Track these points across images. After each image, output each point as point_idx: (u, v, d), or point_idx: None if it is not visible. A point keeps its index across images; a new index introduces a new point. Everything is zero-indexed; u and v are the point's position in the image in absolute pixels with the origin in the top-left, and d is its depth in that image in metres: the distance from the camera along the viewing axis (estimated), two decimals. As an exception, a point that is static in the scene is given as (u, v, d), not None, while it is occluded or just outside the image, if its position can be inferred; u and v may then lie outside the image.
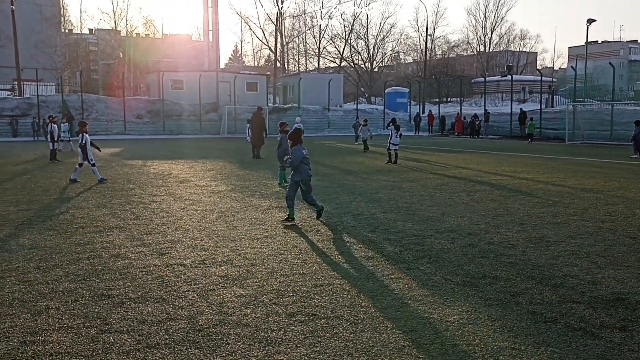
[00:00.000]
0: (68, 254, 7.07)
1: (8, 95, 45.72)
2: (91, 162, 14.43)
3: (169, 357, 4.15)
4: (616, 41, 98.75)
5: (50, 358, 4.11)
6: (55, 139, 21.05)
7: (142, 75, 58.43)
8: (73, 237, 8.03)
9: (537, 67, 74.55)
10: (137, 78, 60.17)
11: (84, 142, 14.40)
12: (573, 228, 8.54)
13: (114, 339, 4.45)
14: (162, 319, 4.88)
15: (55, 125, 21.31)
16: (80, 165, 14.56)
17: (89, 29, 78.61)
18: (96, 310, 5.08)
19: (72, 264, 6.59)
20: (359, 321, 4.83)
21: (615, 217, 9.43)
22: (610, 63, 36.71)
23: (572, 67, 39.74)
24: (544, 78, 43.27)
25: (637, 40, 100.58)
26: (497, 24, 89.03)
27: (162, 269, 6.40)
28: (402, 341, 4.40)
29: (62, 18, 66.01)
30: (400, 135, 19.40)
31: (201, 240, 7.86)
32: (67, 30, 67.46)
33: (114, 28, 66.38)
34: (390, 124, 19.93)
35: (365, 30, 77.83)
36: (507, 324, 4.76)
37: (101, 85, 62.31)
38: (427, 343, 4.36)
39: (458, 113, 44.42)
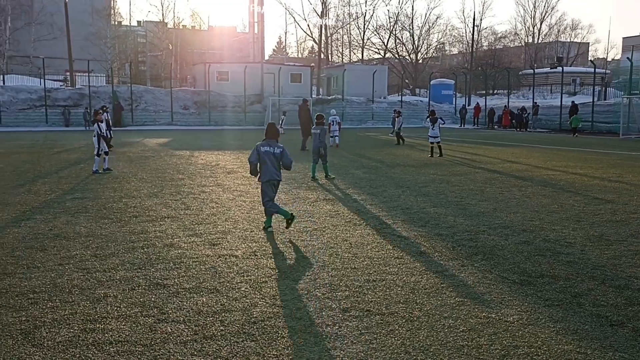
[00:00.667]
0: (123, 242, 7.21)
1: (61, 85, 47.13)
2: (102, 151, 14.41)
3: (225, 348, 4.16)
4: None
5: (110, 346, 4.18)
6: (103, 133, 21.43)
7: (188, 66, 59.30)
8: (127, 225, 8.19)
9: (589, 59, 72.12)
10: (184, 69, 61.12)
11: (102, 131, 14.40)
12: (634, 227, 8.19)
13: (171, 329, 4.50)
14: (217, 310, 4.90)
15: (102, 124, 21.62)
16: (106, 153, 14.69)
17: (137, 21, 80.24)
18: (152, 300, 5.15)
19: (127, 253, 6.71)
20: (415, 318, 4.74)
21: (679, 215, 9.01)
22: (668, 54, 35.12)
23: (627, 58, 38.23)
24: (596, 70, 41.75)
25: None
26: (547, 13, 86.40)
27: (214, 260, 6.45)
28: (461, 341, 4.29)
29: (112, 10, 67.52)
30: (440, 127, 19.00)
31: (251, 231, 7.89)
32: (116, 23, 68.95)
33: (161, 20, 67.50)
34: (429, 116, 19.60)
35: (410, 21, 76.76)
36: (570, 326, 4.59)
37: (149, 76, 63.56)
38: (486, 344, 4.24)
39: (505, 106, 43.39)
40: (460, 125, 45.27)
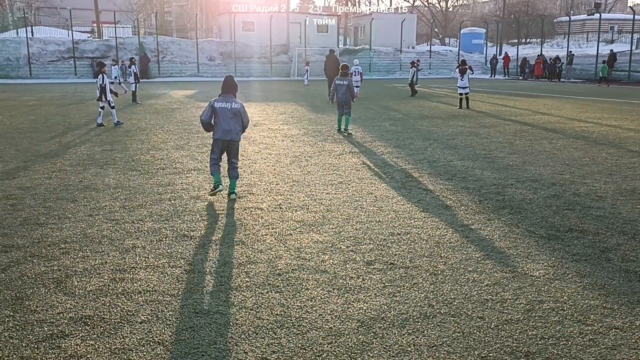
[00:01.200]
0: (151, 194, 7.31)
1: (88, 37, 47.17)
2: (111, 105, 14.23)
3: (250, 299, 4.23)
4: None
5: (139, 295, 4.28)
6: (133, 81, 21.45)
7: (214, 17, 58.62)
8: (154, 178, 8.29)
9: (629, 4, 68.99)
10: (209, 20, 60.43)
11: (104, 83, 14.06)
12: (668, 181, 7.97)
13: (197, 279, 4.58)
14: (243, 262, 4.97)
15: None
16: (102, 108, 14.28)
17: (162, -30, 79.14)
18: (180, 251, 5.24)
19: (154, 205, 6.81)
20: (439, 272, 4.74)
21: None
22: None
23: (669, 4, 36.40)
24: (636, 16, 39.93)
25: None
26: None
27: (240, 212, 6.50)
28: (485, 295, 4.28)
29: (137, -41, 66.64)
30: (469, 78, 18.55)
31: (276, 184, 7.91)
32: (141, -28, 68.14)
33: (186, -31, 66.46)
34: (459, 66, 19.11)
35: (441, -34, 74.12)
36: (597, 281, 4.53)
37: (175, 27, 63.12)
38: (511, 298, 4.23)
39: (539, 55, 42.04)
40: (491, 76, 44.18)
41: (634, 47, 39.16)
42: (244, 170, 8.78)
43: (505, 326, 3.80)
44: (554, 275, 4.66)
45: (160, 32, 47.24)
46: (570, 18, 48.29)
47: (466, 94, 18.67)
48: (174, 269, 4.81)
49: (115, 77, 26.67)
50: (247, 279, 4.60)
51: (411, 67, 25.91)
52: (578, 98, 23.73)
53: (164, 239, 5.56)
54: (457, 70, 18.89)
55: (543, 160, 9.62)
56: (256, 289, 4.41)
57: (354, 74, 22.93)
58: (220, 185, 7.01)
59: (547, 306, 4.09)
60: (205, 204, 6.86)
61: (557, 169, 8.83)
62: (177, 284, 4.51)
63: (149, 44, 42.41)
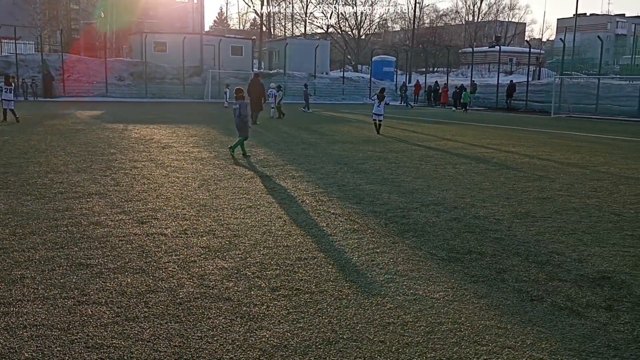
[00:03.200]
0: (46, 220, 6.87)
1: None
2: None
3: (148, 330, 4.03)
4: (604, 14, 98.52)
5: (25, 330, 3.97)
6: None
7: (124, 36, 57.04)
8: (51, 202, 7.81)
9: (526, 39, 74.19)
10: (120, 39, 58.74)
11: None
12: (559, 203, 8.51)
13: (91, 311, 4.32)
14: (142, 291, 4.75)
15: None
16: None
17: (70, -14, 76.23)
18: (74, 281, 4.93)
19: (49, 231, 6.40)
20: (344, 297, 4.75)
21: (601, 192, 9.43)
22: (598, 37, 36.58)
23: (560, 39, 39.55)
24: (532, 50, 42.98)
25: (624, 14, 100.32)
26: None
27: (142, 239, 6.24)
28: (388, 318, 4.33)
29: (42, -27, 63.82)
30: (386, 104, 19.17)
31: (183, 209, 7.69)
32: (46, -13, 65.27)
33: (95, -14, 64.44)
34: (377, 93, 19.71)
35: (354, -3, 76.53)
36: (493, 301, 4.71)
37: (82, 45, 60.76)
38: (412, 321, 4.29)
39: (445, 83, 44.16)
40: (401, 103, 45.81)
41: (530, 78, 42.03)
42: (149, 195, 8.48)
43: (405, 349, 3.84)
44: (453, 297, 4.80)
45: (66, 50, 45.25)
46: (473, 49, 51.17)
47: (380, 120, 19.14)
48: (65, 300, 4.51)
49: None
50: (145, 309, 4.39)
51: (278, 90, 26.30)
52: (480, 125, 25.06)
53: (57, 268, 5.22)
54: (376, 96, 19.32)
55: (447, 184, 10.01)
56: (155, 320, 4.21)
57: (270, 95, 25.71)
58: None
59: (445, 327, 4.19)
60: (105, 230, 6.53)
61: (459, 193, 9.20)
62: (67, 316, 4.22)
63: (53, 62, 40.50)
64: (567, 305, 4.65)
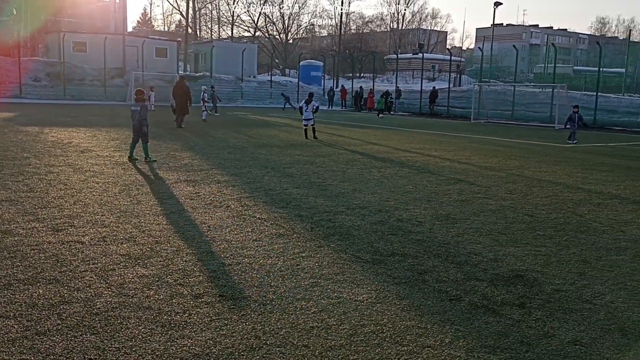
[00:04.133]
0: (-52, 230, 6.42)
1: None
2: None
3: (60, 344, 3.83)
4: (519, 25, 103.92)
5: None
6: None
7: (40, 35, 54.34)
8: (-45, 211, 7.30)
9: (447, 47, 76.93)
10: (35, 38, 55.88)
11: None
12: (477, 206, 8.85)
13: (-2, 326, 4.06)
14: (55, 303, 4.51)
15: None
16: None
17: (-20, -19, 71.83)
18: (-21, 294, 4.62)
19: (-48, 242, 5.97)
20: (268, 302, 4.71)
21: (516, 195, 9.89)
22: (514, 46, 38.49)
23: (479, 48, 41.31)
24: (452, 57, 44.64)
25: (537, 25, 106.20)
26: (411, 1, 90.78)
27: (57, 247, 5.94)
28: (311, 322, 4.33)
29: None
30: (316, 108, 19.04)
31: (102, 215, 7.40)
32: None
33: (8, -19, 61.01)
34: (305, 99, 19.64)
35: (281, 0, 76.71)
36: (414, 302, 4.82)
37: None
38: (335, 324, 4.32)
39: (370, 89, 45.02)
40: (328, 107, 46.27)
41: (451, 85, 43.60)
42: (65, 201, 8.10)
43: (328, 353, 3.86)
44: (376, 299, 4.87)
45: (-25, 48, 42.53)
46: (397, 56, 52.48)
47: (312, 125, 18.96)
48: (-31, 315, 4.22)
49: None
50: (58, 322, 4.18)
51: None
52: (404, 130, 25.71)
53: (-40, 281, 4.87)
54: (304, 101, 19.13)
55: (372, 187, 10.18)
56: (68, 332, 4.01)
57: (203, 99, 26.85)
58: None
59: (368, 329, 4.25)
60: (15, 239, 6.17)
61: (383, 196, 9.38)
62: (-29, 332, 3.95)
63: (-39, 60, 37.98)
64: (484, 303, 4.84)
